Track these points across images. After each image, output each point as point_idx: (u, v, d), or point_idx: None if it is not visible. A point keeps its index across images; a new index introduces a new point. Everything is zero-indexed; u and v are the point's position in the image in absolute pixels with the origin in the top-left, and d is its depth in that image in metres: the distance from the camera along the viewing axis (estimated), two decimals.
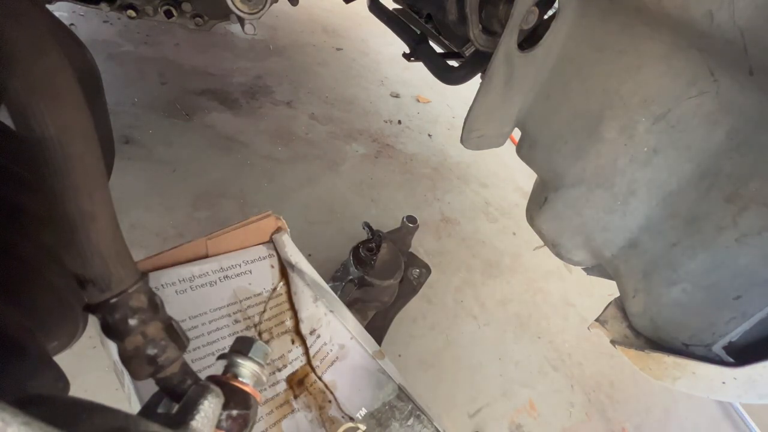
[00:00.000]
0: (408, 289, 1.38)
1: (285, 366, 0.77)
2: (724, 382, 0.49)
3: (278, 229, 0.89)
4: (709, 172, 0.51)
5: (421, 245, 1.55)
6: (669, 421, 1.34)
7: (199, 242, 0.77)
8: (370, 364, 0.82)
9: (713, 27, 0.43)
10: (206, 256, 0.78)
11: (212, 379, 0.26)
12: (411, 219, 1.39)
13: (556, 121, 0.68)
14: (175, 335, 0.25)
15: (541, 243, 0.77)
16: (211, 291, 0.74)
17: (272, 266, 0.84)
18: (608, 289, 1.60)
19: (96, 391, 0.91)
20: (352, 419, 0.76)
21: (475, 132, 0.74)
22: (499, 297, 1.56)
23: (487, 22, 0.75)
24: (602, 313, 0.65)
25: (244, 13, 0.81)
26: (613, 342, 0.62)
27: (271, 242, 0.87)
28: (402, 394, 0.80)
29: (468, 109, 0.71)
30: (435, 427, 0.77)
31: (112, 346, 0.58)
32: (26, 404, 0.18)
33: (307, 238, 1.46)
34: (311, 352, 0.80)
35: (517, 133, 0.78)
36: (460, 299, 1.48)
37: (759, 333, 0.50)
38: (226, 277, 0.77)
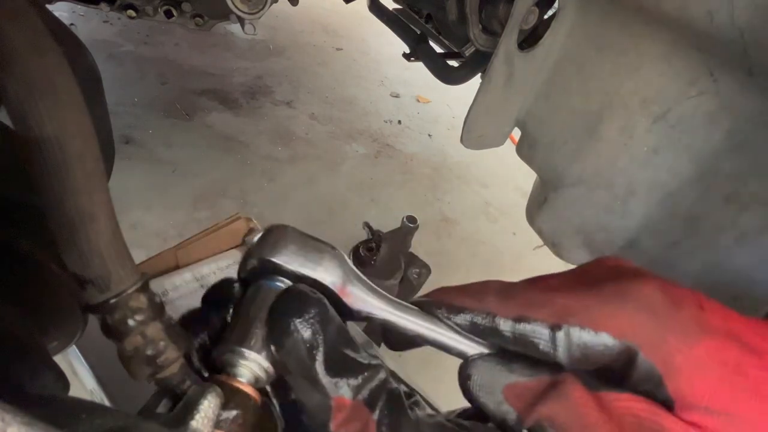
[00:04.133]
0: (408, 289, 1.38)
1: None
2: None
3: (250, 231, 0.88)
4: (708, 172, 0.51)
5: (421, 245, 1.55)
6: None
7: (168, 253, 0.76)
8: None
9: (713, 27, 0.43)
10: (177, 267, 0.76)
11: (212, 379, 0.26)
12: (411, 219, 1.39)
13: (556, 120, 0.68)
14: (175, 336, 0.25)
15: (541, 243, 0.77)
16: (188, 303, 0.73)
17: None
18: None
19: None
20: None
21: (475, 132, 0.74)
22: None
23: (487, 22, 0.75)
24: None
25: (244, 13, 0.81)
26: None
27: (244, 245, 0.85)
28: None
29: (468, 109, 0.71)
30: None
31: (86, 375, 0.57)
32: (26, 404, 0.18)
33: None
34: None
35: (517, 133, 0.78)
36: None
37: None
38: (202, 286, 0.75)
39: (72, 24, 2.11)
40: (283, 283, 0.27)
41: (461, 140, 0.75)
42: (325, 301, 0.26)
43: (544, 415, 0.23)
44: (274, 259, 0.27)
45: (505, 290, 0.26)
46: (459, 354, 0.28)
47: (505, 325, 0.25)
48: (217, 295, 0.30)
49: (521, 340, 0.24)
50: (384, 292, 0.30)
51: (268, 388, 0.28)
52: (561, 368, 0.24)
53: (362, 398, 0.25)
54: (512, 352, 0.25)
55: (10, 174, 0.38)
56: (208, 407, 0.23)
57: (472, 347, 0.28)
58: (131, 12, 1.00)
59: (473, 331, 0.26)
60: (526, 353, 0.25)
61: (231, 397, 0.25)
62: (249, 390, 0.26)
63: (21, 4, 0.20)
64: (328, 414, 0.24)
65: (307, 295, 0.26)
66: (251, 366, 0.26)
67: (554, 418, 0.22)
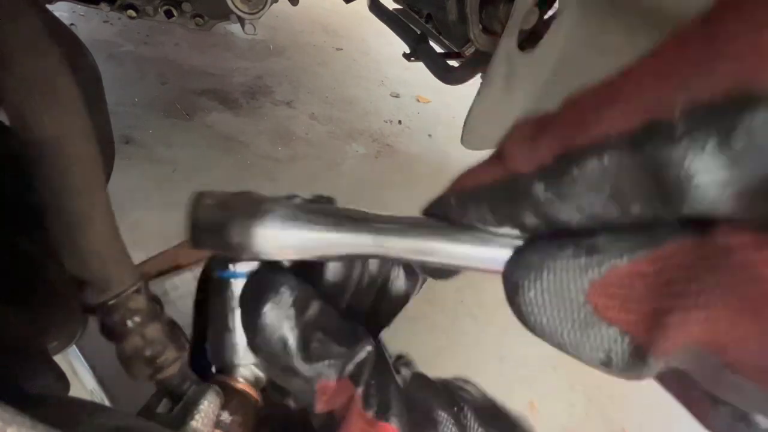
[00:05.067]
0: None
1: None
2: None
3: None
4: None
5: None
6: (670, 420, 1.34)
7: (168, 253, 0.76)
8: None
9: None
10: (177, 267, 0.76)
11: (212, 379, 0.26)
12: None
13: None
14: (175, 336, 0.25)
15: None
16: (189, 303, 0.73)
17: None
18: None
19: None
20: None
21: (475, 132, 0.74)
22: (500, 297, 1.54)
23: (488, 22, 0.75)
24: None
25: (244, 13, 0.81)
26: None
27: None
28: None
29: (468, 109, 0.71)
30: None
31: (86, 375, 0.57)
32: (26, 404, 0.18)
33: None
34: None
35: None
36: (460, 299, 1.48)
37: None
38: None
39: (72, 24, 2.11)
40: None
41: (461, 140, 0.75)
42: (289, 279, 0.23)
43: (703, 334, 0.11)
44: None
45: (537, 123, 0.15)
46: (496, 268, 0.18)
47: (538, 187, 0.13)
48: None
49: (575, 197, 0.13)
50: (365, 215, 0.21)
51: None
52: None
53: (347, 374, 0.24)
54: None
55: (10, 174, 0.38)
56: (208, 407, 0.23)
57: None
58: (131, 12, 1.00)
59: (505, 218, 0.16)
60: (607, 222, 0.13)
61: (231, 397, 0.25)
62: (249, 390, 0.26)
63: (21, 4, 0.20)
64: (312, 397, 0.23)
65: (262, 282, 0.23)
66: (251, 366, 0.26)
67: (732, 340, 0.11)
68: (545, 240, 0.15)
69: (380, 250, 0.19)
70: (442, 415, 0.24)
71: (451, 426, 0.24)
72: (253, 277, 0.24)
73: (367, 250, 0.20)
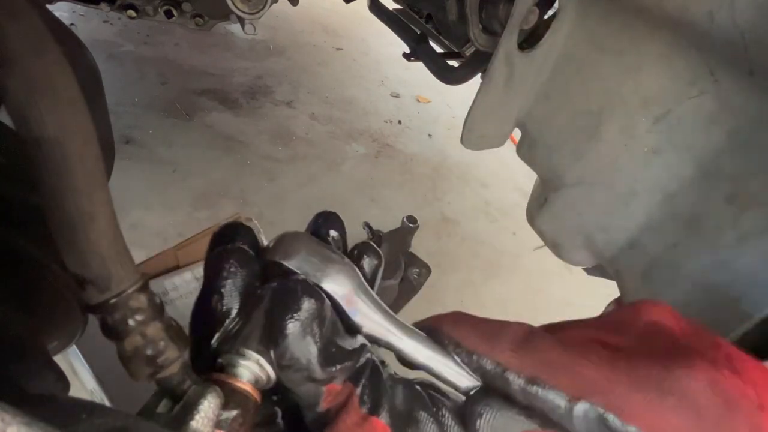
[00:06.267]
0: (408, 289, 1.39)
1: None
2: None
3: None
4: (709, 172, 0.51)
5: (421, 245, 1.55)
6: None
7: (168, 253, 0.76)
8: None
9: (713, 27, 0.43)
10: (177, 267, 0.76)
11: (212, 379, 0.26)
12: (411, 219, 1.39)
13: (557, 121, 0.67)
14: (175, 336, 0.25)
15: (542, 243, 0.77)
16: (189, 303, 0.73)
17: None
18: (609, 289, 1.59)
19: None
20: None
21: (475, 132, 0.74)
22: (499, 297, 1.56)
23: (487, 22, 0.75)
24: (602, 313, 0.65)
25: (244, 13, 0.81)
26: None
27: None
28: None
29: (468, 109, 0.71)
30: None
31: (86, 375, 0.57)
32: (26, 404, 0.18)
33: None
34: None
35: (517, 133, 0.78)
36: (460, 299, 1.48)
37: (760, 334, 0.50)
38: None
39: (72, 24, 2.11)
40: None
41: (461, 140, 0.75)
42: (321, 294, 0.27)
43: None
44: (283, 263, 0.28)
45: (523, 340, 0.25)
46: (458, 388, 0.28)
47: (516, 383, 0.24)
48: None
49: (532, 402, 0.23)
50: (392, 313, 0.29)
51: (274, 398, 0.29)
52: None
53: (349, 377, 0.27)
54: None
55: (10, 174, 0.38)
56: (208, 407, 0.23)
57: (475, 383, 0.27)
58: (131, 12, 1.00)
59: (480, 374, 0.26)
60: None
61: (231, 397, 0.25)
62: (249, 390, 0.26)
63: (21, 4, 0.20)
64: (319, 398, 0.27)
65: (299, 291, 0.26)
66: (251, 366, 0.26)
67: None
68: (499, 396, 0.25)
69: (406, 348, 0.28)
70: (423, 415, 0.27)
71: (430, 424, 0.27)
72: (280, 290, 0.26)
73: (391, 341, 0.28)
